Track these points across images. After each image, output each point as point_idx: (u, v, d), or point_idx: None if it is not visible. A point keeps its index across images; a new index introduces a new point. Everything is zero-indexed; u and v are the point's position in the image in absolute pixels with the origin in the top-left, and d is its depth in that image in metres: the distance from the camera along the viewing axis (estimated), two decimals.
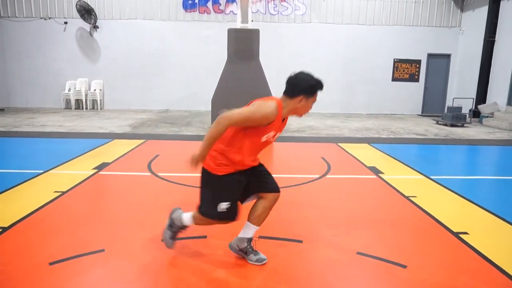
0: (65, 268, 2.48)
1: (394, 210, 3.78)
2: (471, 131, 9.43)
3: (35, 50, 12.82)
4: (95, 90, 12.91)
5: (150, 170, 5.05)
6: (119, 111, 12.44)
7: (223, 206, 2.37)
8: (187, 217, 2.59)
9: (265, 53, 12.18)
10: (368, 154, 6.32)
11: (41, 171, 4.78)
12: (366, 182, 4.75)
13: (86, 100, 12.79)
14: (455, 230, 3.20)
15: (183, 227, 2.63)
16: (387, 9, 12.96)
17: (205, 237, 3.01)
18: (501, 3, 10.95)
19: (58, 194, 3.93)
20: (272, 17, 12.82)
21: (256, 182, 2.49)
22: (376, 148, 6.93)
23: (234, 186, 2.40)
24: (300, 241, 2.95)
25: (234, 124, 2.26)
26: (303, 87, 2.27)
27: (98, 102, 12.89)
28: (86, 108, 12.77)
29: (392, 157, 6.13)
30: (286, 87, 2.32)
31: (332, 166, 5.45)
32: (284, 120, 2.38)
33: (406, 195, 4.16)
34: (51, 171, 4.82)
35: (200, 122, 10.03)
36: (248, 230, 2.54)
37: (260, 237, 2.77)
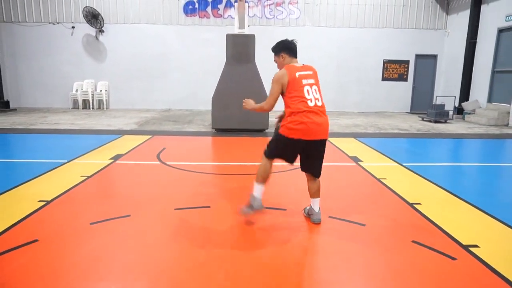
0: (102, 226, 3.23)
1: (364, 188, 4.54)
2: (452, 127, 10.20)
3: (44, 53, 13.55)
4: (101, 90, 13.65)
5: (159, 159, 5.80)
6: (124, 110, 13.19)
7: None
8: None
9: (261, 55, 12.95)
10: (352, 146, 7.07)
11: (66, 161, 5.52)
12: (346, 168, 5.50)
13: (92, 100, 13.53)
14: (410, 201, 3.96)
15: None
16: (377, 13, 13.71)
17: (208, 206, 3.76)
18: (482, 7, 11.71)
19: (84, 178, 4.68)
20: (268, 21, 13.57)
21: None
22: (361, 141, 7.68)
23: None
24: (284, 209, 3.70)
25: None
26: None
27: (104, 102, 13.63)
28: (93, 108, 13.51)
29: (373, 149, 6.88)
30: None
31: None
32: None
33: (378, 177, 4.91)
34: (74, 161, 5.56)
35: (201, 120, 10.76)
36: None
37: (267, 207, 3.49)
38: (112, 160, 5.64)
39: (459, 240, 3.04)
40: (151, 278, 2.43)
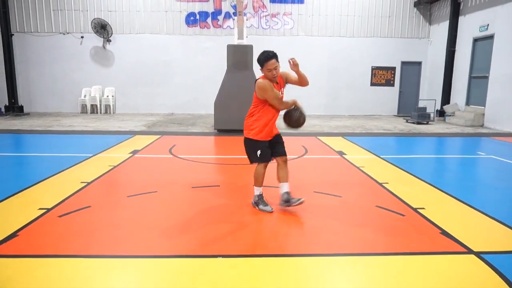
0: (137, 198, 4.15)
1: (345, 173, 5.49)
2: (432, 127, 11.21)
3: (54, 61, 14.48)
4: (108, 96, 14.57)
5: (171, 153, 6.73)
6: (129, 114, 14.11)
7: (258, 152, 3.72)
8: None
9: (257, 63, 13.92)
10: (339, 143, 8.04)
11: (91, 155, 6.44)
12: (331, 160, 6.45)
13: (100, 105, 14.44)
14: (380, 181, 4.92)
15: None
16: (365, 23, 14.79)
17: (218, 185, 4.69)
18: (459, 18, 12.81)
19: (111, 167, 5.60)
20: (264, 31, 14.61)
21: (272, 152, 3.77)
22: (347, 139, 8.65)
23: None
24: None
25: (279, 100, 3.72)
26: (259, 62, 3.63)
27: (111, 107, 14.55)
28: (100, 112, 14.42)
29: (357, 145, 7.85)
30: None
31: (308, 150, 7.16)
32: (277, 84, 3.67)
33: (357, 166, 5.87)
34: (98, 155, 6.48)
35: (203, 123, 11.69)
36: (284, 187, 3.74)
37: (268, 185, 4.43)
38: (131, 154, 6.56)
39: (411, 204, 4.00)
40: (176, 232, 3.35)
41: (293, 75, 3.77)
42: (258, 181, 3.82)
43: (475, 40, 12.05)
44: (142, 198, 4.17)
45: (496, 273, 2.58)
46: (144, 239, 3.11)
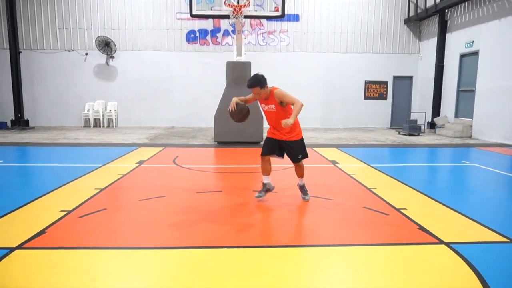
0: (148, 202, 4.58)
1: (337, 180, 5.94)
2: (423, 139, 11.73)
3: (59, 77, 15.03)
4: (110, 110, 15.08)
5: (175, 163, 7.18)
6: (132, 128, 14.58)
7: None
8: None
9: None
10: (333, 154, 8.51)
11: (100, 165, 6.87)
12: (325, 168, 6.91)
13: (103, 119, 14.93)
14: (369, 187, 5.37)
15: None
16: (358, 40, 15.48)
17: (220, 191, 5.13)
18: (447, 35, 13.49)
19: (120, 175, 6.03)
20: (261, 48, 15.25)
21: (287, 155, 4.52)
22: (341, 150, 9.12)
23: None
24: (276, 192, 5.09)
25: (246, 99, 4.60)
26: None
27: (113, 121, 15.03)
28: (103, 126, 14.89)
29: (350, 155, 8.32)
30: None
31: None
32: (267, 100, 4.25)
33: (349, 173, 6.33)
34: (106, 165, 6.91)
35: (204, 135, 12.16)
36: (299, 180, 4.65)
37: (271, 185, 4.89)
38: (138, 164, 7.00)
39: (394, 205, 4.45)
40: (185, 228, 3.78)
41: (289, 99, 4.31)
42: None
43: (462, 56, 12.69)
44: (152, 201, 4.61)
45: (461, 258, 3.02)
46: (156, 234, 3.54)
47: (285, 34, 15.29)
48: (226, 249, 3.20)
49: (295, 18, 15.22)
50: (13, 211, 4.15)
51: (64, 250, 3.16)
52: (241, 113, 4.42)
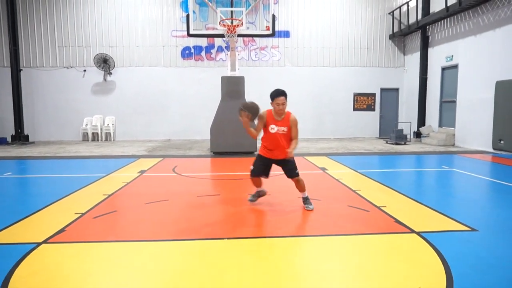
0: (153, 205, 5.04)
1: (325, 184, 6.46)
2: (408, 147, 12.35)
3: (58, 93, 15.49)
4: (108, 124, 15.53)
5: (175, 172, 7.65)
6: (129, 141, 15.03)
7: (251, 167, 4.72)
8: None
9: (249, 91, 15.14)
10: (323, 161, 9.05)
11: (104, 175, 7.32)
12: (314, 174, 7.44)
13: (101, 133, 15.36)
14: (354, 189, 5.90)
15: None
16: (346, 54, 16.24)
17: (219, 194, 5.62)
18: (429, 49, 14.29)
19: (125, 183, 6.48)
20: (254, 62, 15.92)
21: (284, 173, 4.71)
22: (331, 158, 9.67)
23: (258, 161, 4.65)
24: (269, 194, 5.58)
25: (256, 128, 4.53)
26: (270, 97, 4.46)
27: (111, 134, 15.47)
28: (101, 140, 15.32)
29: (339, 162, 8.87)
30: None
31: None
32: (280, 120, 4.41)
33: (337, 178, 6.86)
34: (110, 175, 7.36)
35: (200, 147, 12.65)
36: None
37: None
38: (140, 173, 7.46)
39: (375, 204, 4.97)
40: (188, 226, 4.26)
41: (295, 132, 4.54)
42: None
43: (443, 69, 13.46)
44: (157, 204, 5.07)
45: (429, 244, 3.53)
46: (164, 229, 4.00)
47: (277, 50, 16.00)
48: (226, 240, 3.67)
49: (286, 34, 15.96)
50: (31, 214, 4.59)
51: (84, 244, 3.61)
52: (251, 110, 4.38)
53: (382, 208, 4.79)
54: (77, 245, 3.58)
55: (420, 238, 3.68)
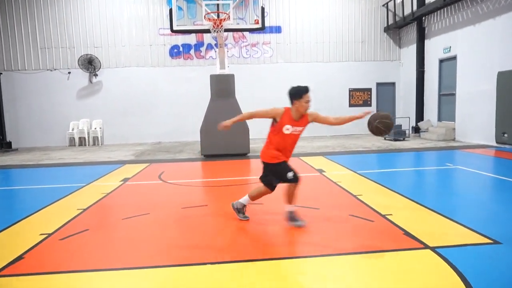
0: (131, 220, 4.49)
1: (323, 189, 5.94)
2: (408, 143, 11.87)
3: (42, 97, 14.83)
4: (95, 128, 14.91)
5: (161, 179, 7.09)
6: (118, 145, 14.42)
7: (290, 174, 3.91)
8: (244, 199, 4.22)
9: (241, 89, 14.59)
10: (319, 162, 8.53)
11: (83, 184, 6.74)
12: (311, 177, 6.91)
13: (88, 137, 14.74)
14: (355, 194, 5.38)
15: (243, 206, 4.28)
16: (340, 49, 15.73)
17: (206, 205, 5.07)
18: (425, 41, 13.81)
19: (104, 194, 5.92)
20: (245, 60, 15.36)
21: None
22: (328, 158, 9.16)
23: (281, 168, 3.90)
24: (261, 204, 5.05)
25: (256, 114, 3.93)
26: (291, 96, 3.88)
27: (99, 139, 14.85)
28: (88, 144, 14.70)
29: (337, 163, 8.35)
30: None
31: None
32: (299, 120, 3.86)
33: (335, 181, 6.34)
34: (90, 184, 6.79)
35: (191, 149, 12.09)
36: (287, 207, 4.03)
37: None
38: (122, 182, 6.89)
39: (380, 212, 4.45)
40: (165, 248, 3.72)
41: (322, 116, 4.12)
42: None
43: (441, 61, 12.98)
44: (135, 219, 4.52)
45: (446, 262, 3.02)
46: (137, 253, 3.46)
47: (268, 46, 15.44)
48: (209, 265, 3.14)
49: (277, 30, 15.40)
50: None
51: (41, 276, 3.06)
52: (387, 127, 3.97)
53: (387, 216, 4.27)
54: (34, 278, 3.03)
55: (436, 255, 3.17)
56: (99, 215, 4.84)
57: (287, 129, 3.87)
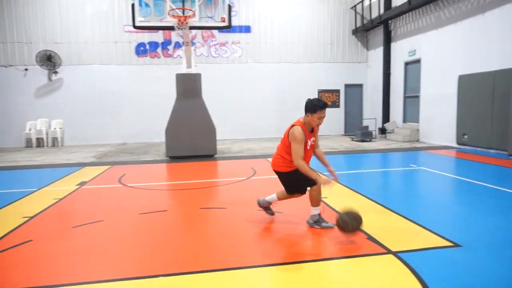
0: (82, 228, 4.16)
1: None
2: (374, 144, 12.04)
3: None
4: (55, 128, 14.13)
5: (121, 182, 6.73)
6: (79, 146, 13.75)
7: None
8: (271, 197, 4.24)
9: (209, 89, 14.30)
10: None
11: (35, 189, 6.27)
12: (276, 179, 6.76)
13: (47, 138, 13.95)
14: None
15: (269, 203, 4.29)
16: (309, 50, 15.78)
17: (165, 210, 4.81)
18: (391, 44, 14.10)
19: (56, 200, 5.51)
20: (214, 59, 15.09)
21: None
22: None
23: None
24: (224, 208, 4.85)
25: (302, 154, 3.75)
26: (306, 108, 3.81)
27: (59, 140, 14.09)
28: (47, 146, 13.91)
29: None
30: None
31: (257, 172, 7.47)
32: (313, 131, 3.89)
33: None
34: (43, 189, 6.33)
35: (156, 151, 11.70)
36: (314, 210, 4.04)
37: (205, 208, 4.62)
38: (79, 186, 6.48)
39: None
40: (116, 260, 3.45)
41: (317, 139, 4.13)
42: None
43: (406, 64, 13.29)
44: (87, 228, 4.19)
45: (408, 268, 2.95)
46: (85, 265, 3.17)
47: (238, 46, 15.25)
48: (162, 277, 2.90)
49: (247, 29, 15.25)
50: None
51: None
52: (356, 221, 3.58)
53: None
54: None
55: (398, 260, 3.10)
56: (47, 223, 4.46)
57: (308, 144, 3.90)
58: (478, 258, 3.13)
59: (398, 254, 3.22)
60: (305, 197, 4.19)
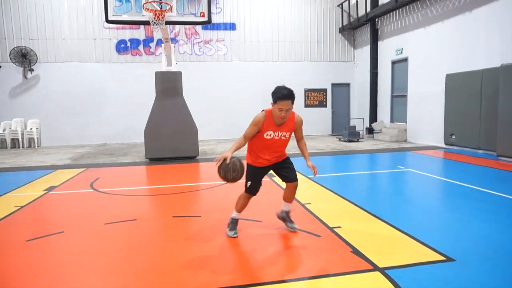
0: (38, 242, 3.73)
1: (270, 196, 5.47)
2: (362, 144, 11.80)
3: None
4: (31, 129, 13.52)
5: (92, 187, 6.29)
6: (57, 147, 13.17)
7: (248, 184, 3.63)
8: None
9: (193, 88, 13.91)
10: None
11: None
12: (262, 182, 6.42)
13: (22, 139, 13.32)
14: (303, 202, 4.96)
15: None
16: (296, 48, 15.47)
17: (135, 219, 4.41)
18: (378, 43, 13.88)
19: (18, 207, 5.05)
20: (198, 57, 14.66)
21: (279, 175, 3.74)
22: None
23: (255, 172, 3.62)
24: (199, 216, 4.47)
25: (247, 136, 3.47)
26: (272, 96, 3.34)
27: (35, 140, 13.47)
28: (23, 147, 13.30)
29: None
30: None
31: None
32: (281, 125, 3.41)
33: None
34: (6, 195, 5.85)
35: (136, 152, 11.23)
36: (285, 206, 3.83)
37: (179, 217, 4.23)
38: (46, 192, 6.02)
39: (328, 224, 4.05)
40: (71, 279, 3.05)
41: (301, 132, 3.72)
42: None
43: (393, 63, 13.09)
44: (44, 240, 3.77)
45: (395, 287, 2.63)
46: (35, 285, 2.76)
47: (222, 43, 14.85)
48: None
49: (232, 26, 14.86)
50: None
51: None
52: (234, 170, 3.43)
53: (335, 230, 3.87)
54: None
55: (385, 279, 2.77)
56: (0, 234, 4.01)
57: (268, 134, 3.46)
58: (474, 274, 2.83)
59: (386, 271, 2.89)
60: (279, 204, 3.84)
